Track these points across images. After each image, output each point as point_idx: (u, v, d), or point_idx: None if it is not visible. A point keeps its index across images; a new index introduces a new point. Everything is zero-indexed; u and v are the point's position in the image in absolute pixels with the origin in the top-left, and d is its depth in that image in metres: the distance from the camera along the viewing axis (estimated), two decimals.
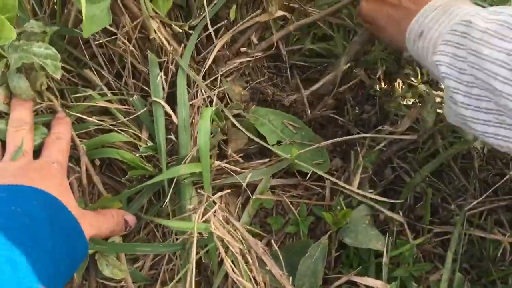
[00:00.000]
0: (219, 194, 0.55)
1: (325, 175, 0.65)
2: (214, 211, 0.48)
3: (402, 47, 0.57)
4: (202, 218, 0.49)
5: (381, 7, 0.59)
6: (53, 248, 0.43)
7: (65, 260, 0.45)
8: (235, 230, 0.50)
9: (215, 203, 0.50)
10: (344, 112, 0.74)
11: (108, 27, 0.56)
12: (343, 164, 0.70)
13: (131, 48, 0.58)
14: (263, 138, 0.67)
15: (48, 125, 0.59)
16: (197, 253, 0.53)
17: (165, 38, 0.58)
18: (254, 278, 0.52)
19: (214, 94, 0.65)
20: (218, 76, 0.67)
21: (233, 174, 0.62)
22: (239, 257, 0.48)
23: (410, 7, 0.55)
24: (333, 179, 0.65)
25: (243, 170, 0.64)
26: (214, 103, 0.64)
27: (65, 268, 0.46)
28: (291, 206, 0.64)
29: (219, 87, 0.66)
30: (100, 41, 0.60)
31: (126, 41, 0.57)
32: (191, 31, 0.64)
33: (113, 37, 0.60)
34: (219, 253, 0.55)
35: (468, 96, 0.44)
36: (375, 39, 0.72)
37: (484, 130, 0.44)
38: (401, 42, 0.57)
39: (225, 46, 0.69)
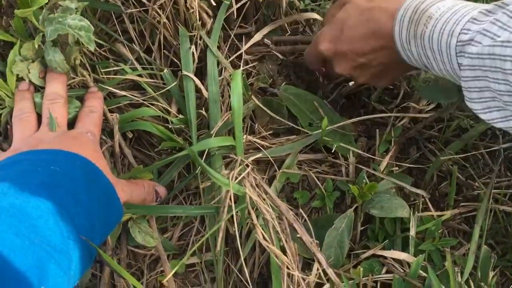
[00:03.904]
0: (252, 158, 0.56)
1: (351, 147, 0.65)
2: (247, 173, 0.49)
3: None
4: (235, 180, 0.50)
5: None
6: (89, 207, 0.45)
7: (100, 220, 0.46)
8: (266, 197, 0.51)
9: (248, 166, 0.51)
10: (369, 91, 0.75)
11: None
12: (368, 142, 0.71)
13: (164, 20, 0.59)
14: (291, 116, 0.68)
15: (81, 99, 0.61)
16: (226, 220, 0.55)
17: (198, 10, 0.59)
18: (283, 247, 0.53)
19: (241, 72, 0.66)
20: (242, 53, 0.68)
21: (261, 148, 0.63)
22: (271, 223, 0.49)
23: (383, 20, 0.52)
24: (358, 151, 0.65)
25: (270, 146, 0.65)
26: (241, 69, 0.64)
27: (100, 228, 0.47)
28: (317, 180, 0.65)
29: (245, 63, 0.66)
30: (133, 10, 0.61)
31: (160, 12, 0.58)
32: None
33: (144, 8, 0.62)
34: (248, 222, 0.56)
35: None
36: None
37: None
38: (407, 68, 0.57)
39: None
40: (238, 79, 0.56)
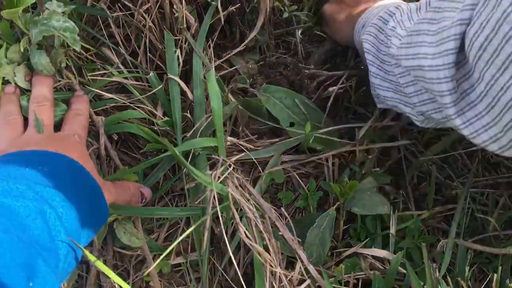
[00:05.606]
0: (234, 158, 0.57)
1: (333, 149, 0.67)
2: (229, 172, 0.50)
3: (353, 44, 0.67)
4: (218, 180, 0.51)
5: (341, 8, 0.69)
6: (77, 207, 0.45)
7: (87, 220, 0.47)
8: (249, 197, 0.52)
9: (230, 165, 0.52)
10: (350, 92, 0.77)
11: (127, 3, 0.58)
12: (349, 142, 0.72)
13: (150, 24, 0.60)
14: (272, 116, 0.69)
15: (66, 102, 0.62)
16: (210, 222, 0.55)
17: (183, 14, 0.60)
18: (266, 246, 0.54)
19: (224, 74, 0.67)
20: (225, 56, 0.69)
21: (245, 150, 0.64)
22: (254, 222, 0.50)
23: (367, 5, 0.64)
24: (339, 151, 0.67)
25: (255, 148, 0.66)
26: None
27: (87, 229, 0.48)
28: (300, 181, 0.66)
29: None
30: (119, 14, 0.62)
31: (146, 16, 0.59)
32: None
33: (130, 12, 0.63)
34: (233, 222, 0.57)
35: (379, 68, 0.57)
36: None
37: (385, 95, 0.58)
38: (352, 39, 0.66)
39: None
40: (213, 79, 0.57)
